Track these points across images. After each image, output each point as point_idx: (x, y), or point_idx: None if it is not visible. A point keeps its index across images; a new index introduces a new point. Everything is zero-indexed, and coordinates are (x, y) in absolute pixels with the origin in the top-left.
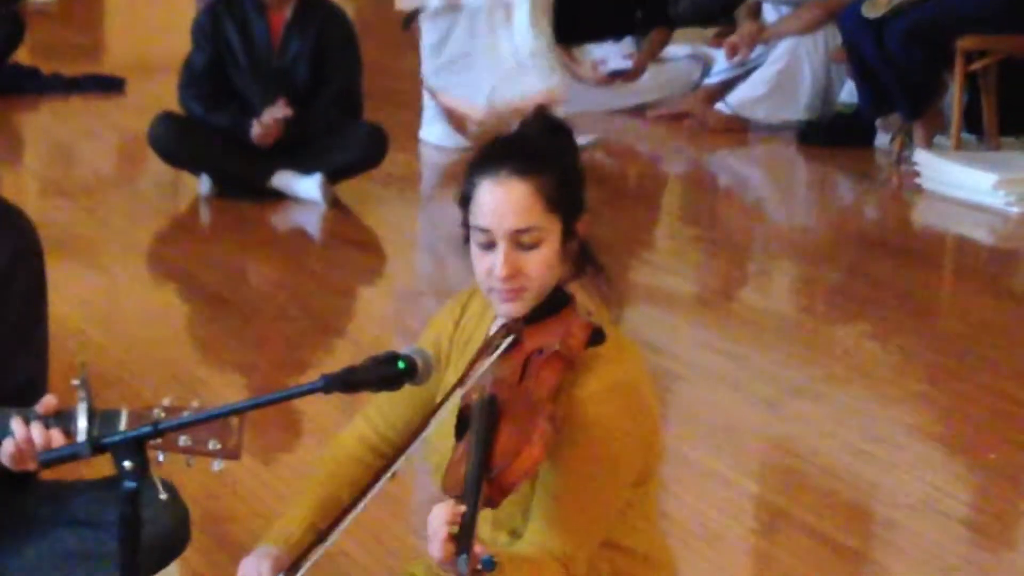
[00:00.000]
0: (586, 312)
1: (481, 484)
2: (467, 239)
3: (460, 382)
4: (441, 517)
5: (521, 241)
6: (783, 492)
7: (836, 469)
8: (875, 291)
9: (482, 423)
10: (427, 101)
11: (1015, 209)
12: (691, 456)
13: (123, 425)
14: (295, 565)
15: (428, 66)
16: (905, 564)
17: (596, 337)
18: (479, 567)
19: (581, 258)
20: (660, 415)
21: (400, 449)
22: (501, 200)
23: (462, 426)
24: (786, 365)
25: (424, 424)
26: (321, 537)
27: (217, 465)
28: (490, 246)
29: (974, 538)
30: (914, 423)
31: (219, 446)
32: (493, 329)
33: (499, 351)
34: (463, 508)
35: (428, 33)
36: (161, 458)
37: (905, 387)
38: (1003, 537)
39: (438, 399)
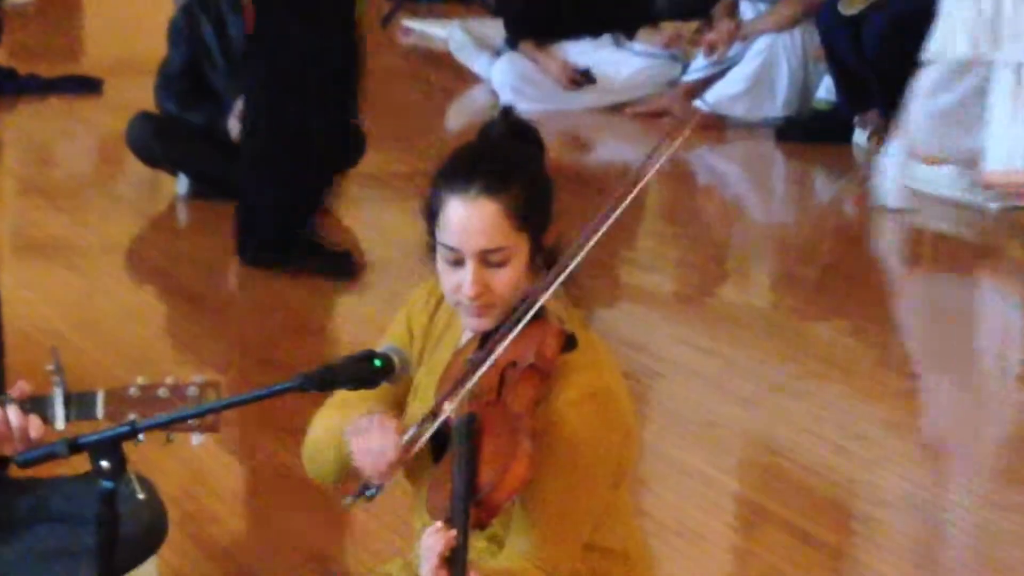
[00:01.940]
0: (557, 319)
1: (469, 508)
2: (433, 249)
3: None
4: (433, 545)
5: (490, 260)
6: (762, 489)
7: (815, 465)
8: (853, 288)
9: (464, 444)
10: None
11: (993, 205)
12: (670, 453)
13: (99, 407)
14: (437, 408)
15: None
16: (884, 560)
17: (569, 344)
18: None
19: (550, 266)
20: (638, 413)
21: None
22: (470, 220)
23: (440, 443)
24: (765, 362)
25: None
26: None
27: (196, 439)
28: (458, 263)
29: (952, 534)
30: (892, 419)
31: (198, 421)
32: (464, 337)
33: (476, 377)
34: (453, 534)
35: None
36: (141, 437)
37: (884, 383)
38: (981, 533)
39: (409, 397)
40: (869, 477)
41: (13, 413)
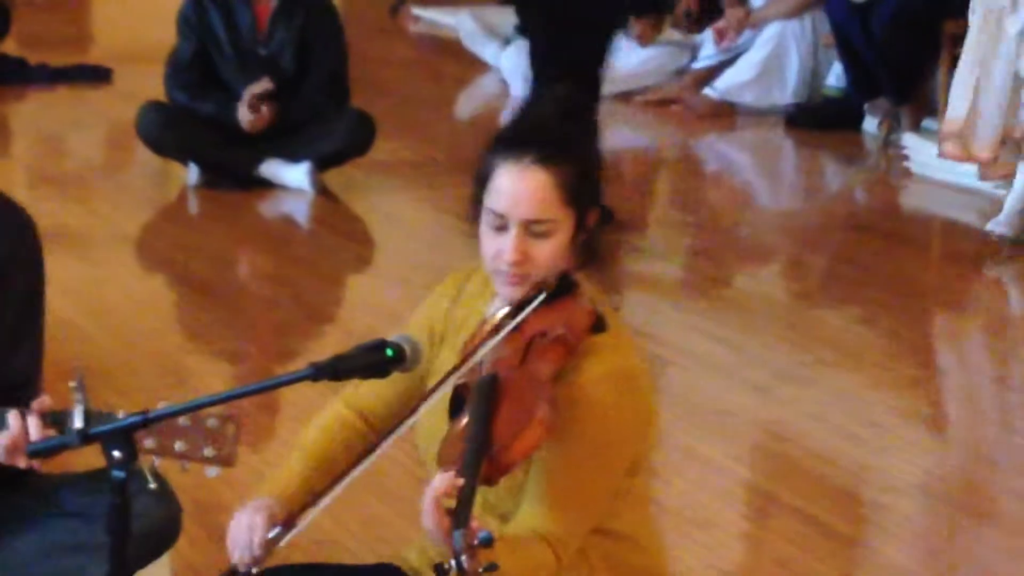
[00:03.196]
0: (589, 300)
1: (481, 460)
2: (475, 216)
3: (459, 365)
4: (438, 489)
5: (533, 230)
6: (773, 476)
7: (826, 453)
8: (864, 275)
9: (484, 401)
10: None
11: (1003, 192)
12: (681, 441)
13: None
14: (289, 521)
15: None
16: (895, 547)
17: (598, 325)
18: (475, 543)
19: (588, 249)
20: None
21: (401, 418)
22: (520, 188)
23: (457, 405)
24: (776, 350)
25: (421, 401)
26: (317, 497)
27: (211, 472)
28: (502, 229)
29: (963, 520)
30: (903, 406)
31: (214, 453)
32: (490, 310)
33: (500, 335)
34: (460, 481)
35: None
36: (157, 462)
37: (894, 370)
38: (991, 519)
39: (428, 381)
40: (880, 464)
41: (34, 425)
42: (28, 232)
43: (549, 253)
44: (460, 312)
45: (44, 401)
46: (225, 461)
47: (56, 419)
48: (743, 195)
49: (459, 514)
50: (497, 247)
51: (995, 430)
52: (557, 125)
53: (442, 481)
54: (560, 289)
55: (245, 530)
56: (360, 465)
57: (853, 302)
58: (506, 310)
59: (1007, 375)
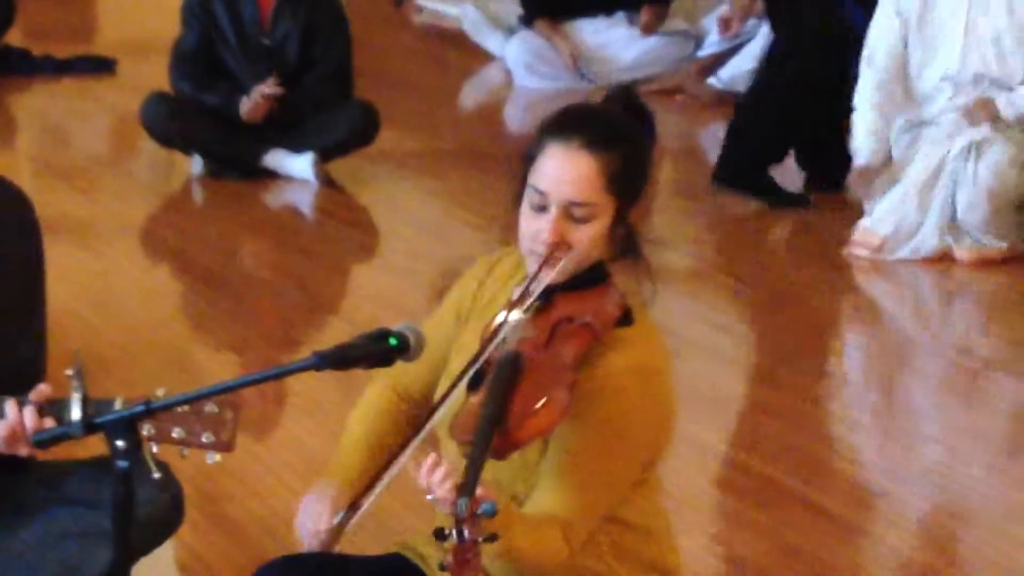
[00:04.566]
0: (621, 294)
1: (493, 432)
2: (519, 197)
3: (491, 337)
4: (445, 457)
5: (573, 213)
6: (778, 465)
7: (830, 440)
8: (871, 264)
9: (504, 375)
10: None
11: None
12: (686, 428)
13: None
14: (353, 505)
15: None
16: (899, 534)
17: (626, 318)
18: (478, 512)
19: (626, 242)
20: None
21: (438, 400)
22: (565, 168)
23: (476, 378)
24: (780, 337)
25: (463, 374)
26: (374, 480)
27: (211, 458)
28: (542, 209)
29: (968, 509)
30: (910, 395)
31: (213, 439)
32: (517, 292)
33: (527, 314)
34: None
35: None
36: (156, 449)
37: (901, 359)
38: (996, 509)
39: (453, 359)
40: (884, 451)
41: (29, 414)
42: (24, 208)
43: (586, 238)
44: (488, 292)
45: (42, 390)
46: (224, 447)
47: (54, 408)
48: None
49: (464, 482)
50: (536, 227)
51: (998, 418)
52: (610, 114)
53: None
54: (593, 277)
55: (311, 519)
56: (408, 448)
57: (859, 291)
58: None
59: (1008, 362)
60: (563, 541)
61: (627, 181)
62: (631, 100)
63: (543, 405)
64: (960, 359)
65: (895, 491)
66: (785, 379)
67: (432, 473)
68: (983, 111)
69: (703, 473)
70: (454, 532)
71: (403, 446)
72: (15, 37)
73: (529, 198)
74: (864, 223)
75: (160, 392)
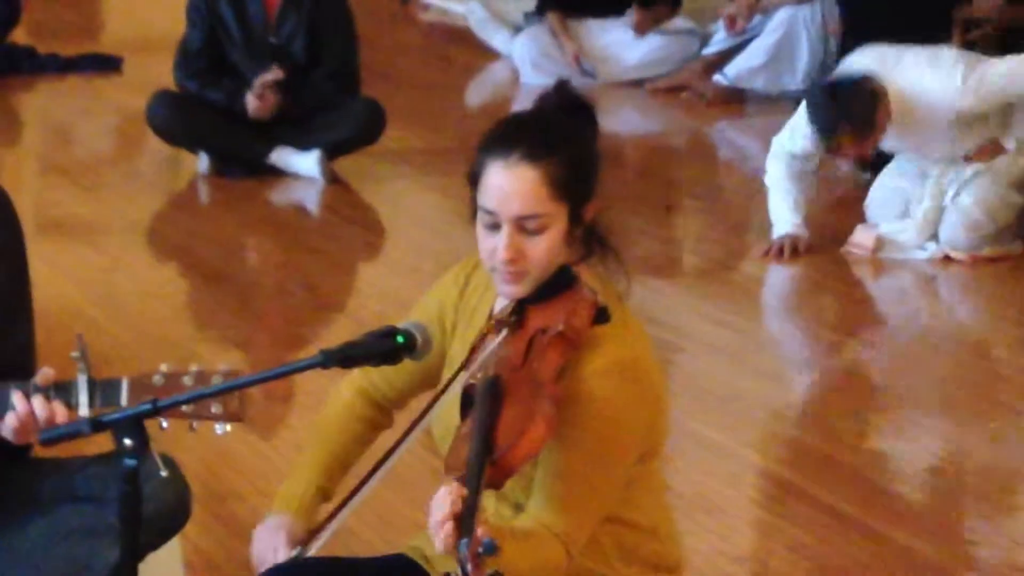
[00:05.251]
0: (591, 291)
1: (484, 467)
2: (474, 215)
3: (465, 366)
4: (444, 500)
5: (526, 226)
6: (785, 462)
7: (838, 438)
8: (875, 260)
9: (485, 404)
10: None
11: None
12: (693, 428)
13: (124, 395)
14: (307, 539)
15: None
16: (907, 533)
17: (600, 316)
18: (480, 551)
19: (588, 240)
20: (664, 389)
21: (405, 431)
22: (508, 185)
23: (466, 404)
24: (787, 336)
25: (428, 407)
26: (332, 515)
27: (220, 429)
28: (495, 227)
29: (976, 506)
30: (916, 391)
31: (221, 409)
32: (498, 305)
33: (502, 335)
34: (464, 491)
35: None
36: (165, 424)
37: (905, 355)
38: (1004, 505)
39: (444, 370)
40: (892, 450)
41: (38, 403)
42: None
43: (543, 249)
44: (470, 302)
45: (47, 373)
46: (234, 416)
47: (61, 392)
48: (753, 181)
49: (463, 523)
50: (492, 245)
51: (1007, 415)
52: (545, 120)
53: (447, 493)
54: (560, 283)
55: (269, 552)
56: (371, 479)
57: (864, 288)
58: (508, 308)
59: (1014, 359)
60: (564, 552)
61: (574, 183)
62: (564, 96)
63: (529, 426)
64: (967, 356)
65: (902, 489)
66: (791, 376)
67: (434, 517)
68: (992, 150)
69: (710, 472)
70: (459, 571)
71: (362, 482)
72: (21, 36)
73: (481, 218)
74: (862, 226)
75: (164, 367)
